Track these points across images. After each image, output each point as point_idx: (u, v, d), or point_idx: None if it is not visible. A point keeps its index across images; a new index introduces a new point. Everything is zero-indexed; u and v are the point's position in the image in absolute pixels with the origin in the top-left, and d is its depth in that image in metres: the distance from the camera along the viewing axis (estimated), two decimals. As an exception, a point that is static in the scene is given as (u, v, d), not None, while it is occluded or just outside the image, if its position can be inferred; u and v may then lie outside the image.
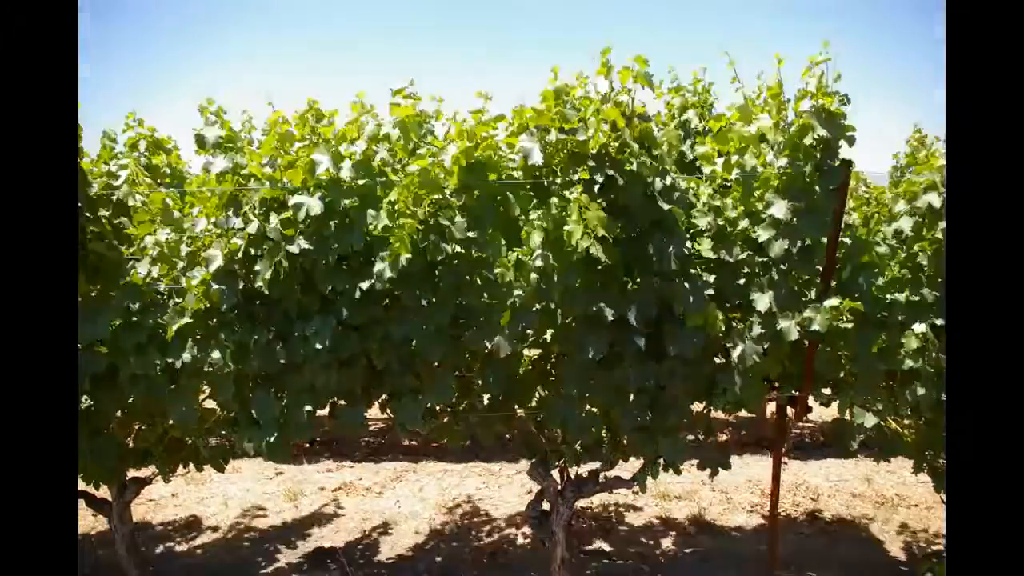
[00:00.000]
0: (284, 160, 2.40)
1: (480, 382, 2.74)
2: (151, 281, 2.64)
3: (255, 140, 2.81)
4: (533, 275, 2.42)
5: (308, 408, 2.56)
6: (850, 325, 2.68)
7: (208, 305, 2.50)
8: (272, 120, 2.46)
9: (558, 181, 2.41)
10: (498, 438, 3.15)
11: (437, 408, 2.67)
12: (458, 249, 2.42)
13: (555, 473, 3.05)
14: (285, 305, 2.48)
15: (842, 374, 2.85)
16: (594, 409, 2.70)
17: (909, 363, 2.62)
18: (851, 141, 2.46)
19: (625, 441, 2.80)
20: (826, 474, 4.99)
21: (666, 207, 2.37)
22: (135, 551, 3.29)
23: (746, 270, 2.62)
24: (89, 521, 4.27)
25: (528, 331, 2.54)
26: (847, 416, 2.84)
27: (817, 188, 2.47)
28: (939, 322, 2.60)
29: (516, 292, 2.45)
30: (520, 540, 4.05)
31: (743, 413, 2.92)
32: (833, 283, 2.75)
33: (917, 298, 2.67)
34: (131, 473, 3.20)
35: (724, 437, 5.77)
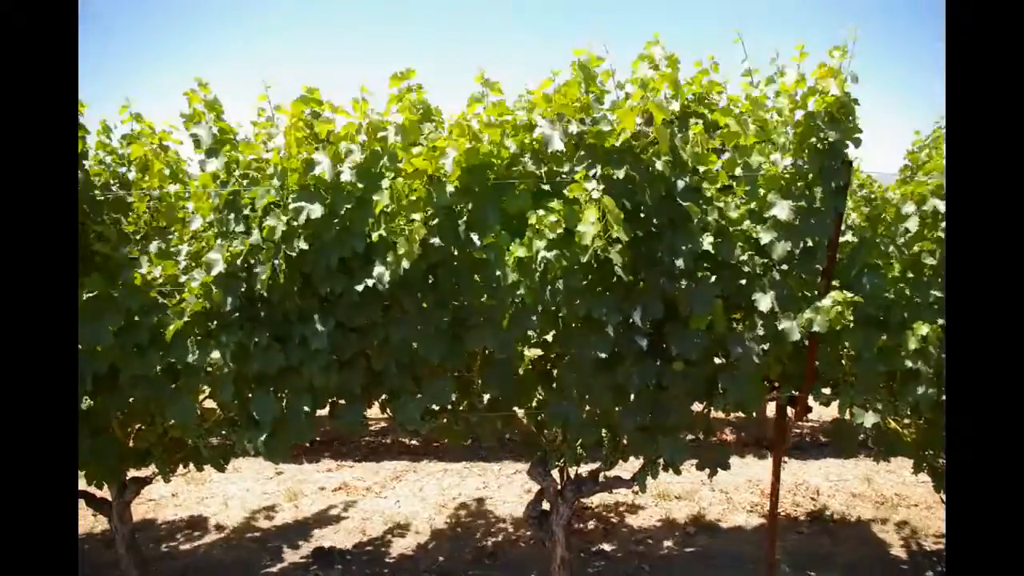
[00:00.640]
0: (289, 164, 2.38)
1: (480, 382, 2.74)
2: (152, 280, 2.64)
3: (250, 134, 2.76)
4: (536, 276, 2.41)
5: (307, 408, 2.56)
6: (852, 324, 2.67)
7: (208, 306, 2.50)
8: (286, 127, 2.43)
9: (574, 173, 2.37)
10: (498, 438, 3.15)
11: (437, 408, 2.67)
12: (456, 252, 2.42)
13: (555, 473, 3.05)
14: (284, 307, 2.47)
15: (842, 374, 2.84)
16: (595, 409, 2.69)
17: (909, 364, 2.62)
18: (857, 143, 2.45)
19: (625, 441, 2.80)
20: (826, 474, 4.99)
21: (684, 206, 2.37)
22: (135, 551, 3.29)
23: (747, 269, 2.62)
24: (89, 521, 4.27)
25: (529, 332, 2.53)
26: (847, 416, 2.84)
27: (820, 189, 2.47)
28: (940, 322, 2.60)
29: (519, 292, 2.44)
30: (520, 540, 4.05)
31: (743, 413, 2.92)
32: (836, 283, 2.75)
33: (918, 298, 2.67)
34: (131, 473, 3.20)
35: (730, 437, 5.77)
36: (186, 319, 2.50)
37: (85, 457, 2.82)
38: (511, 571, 3.70)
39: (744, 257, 2.62)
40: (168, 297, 2.63)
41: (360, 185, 2.36)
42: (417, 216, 2.33)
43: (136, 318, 2.56)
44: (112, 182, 3.15)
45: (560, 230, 2.31)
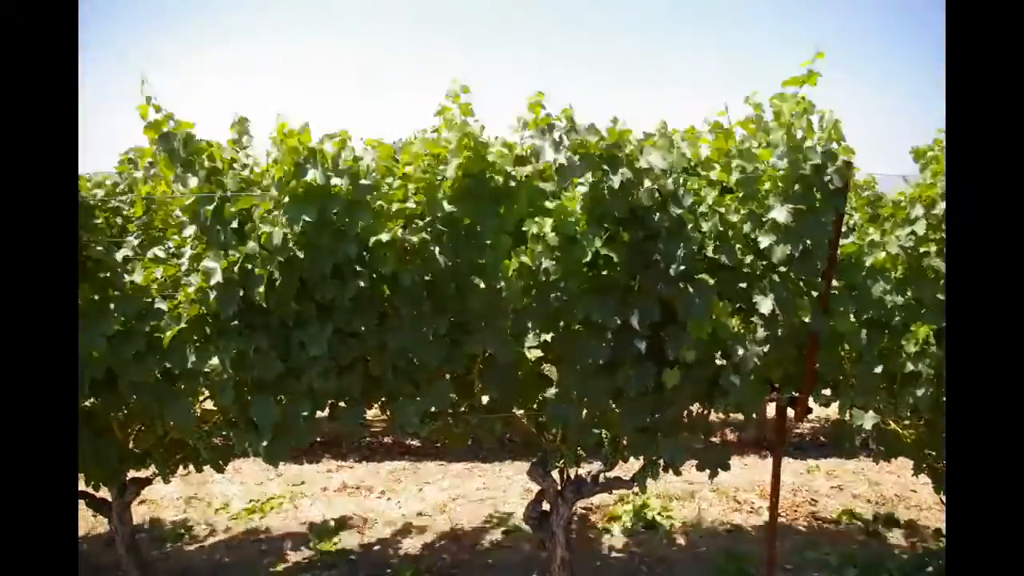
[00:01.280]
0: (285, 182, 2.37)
1: (480, 385, 2.74)
2: (152, 282, 2.64)
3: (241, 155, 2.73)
4: (540, 280, 2.41)
5: (306, 412, 2.56)
6: (853, 327, 2.68)
7: (205, 311, 2.50)
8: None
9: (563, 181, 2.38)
10: (498, 439, 3.14)
11: (436, 410, 2.67)
12: (457, 260, 2.42)
13: (555, 474, 3.05)
14: (282, 313, 2.47)
15: (842, 376, 2.85)
16: (594, 411, 2.69)
17: (910, 366, 2.62)
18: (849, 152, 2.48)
19: (625, 442, 2.80)
20: (827, 474, 4.99)
21: (678, 211, 2.37)
22: (135, 552, 3.29)
23: (747, 270, 2.62)
24: (89, 522, 4.27)
25: (528, 336, 2.54)
26: (847, 417, 2.84)
27: (817, 192, 2.47)
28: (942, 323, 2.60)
29: (518, 297, 2.44)
30: (520, 540, 4.05)
31: (742, 415, 2.92)
32: (840, 283, 2.75)
33: (920, 300, 2.67)
34: (131, 474, 3.20)
35: (732, 437, 5.77)
36: (183, 325, 2.50)
37: (85, 458, 2.82)
38: (511, 571, 3.70)
39: (745, 259, 2.62)
40: (168, 300, 2.63)
41: (350, 187, 2.36)
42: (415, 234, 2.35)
43: (133, 322, 2.56)
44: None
45: (556, 235, 2.33)
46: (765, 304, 2.48)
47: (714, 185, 2.67)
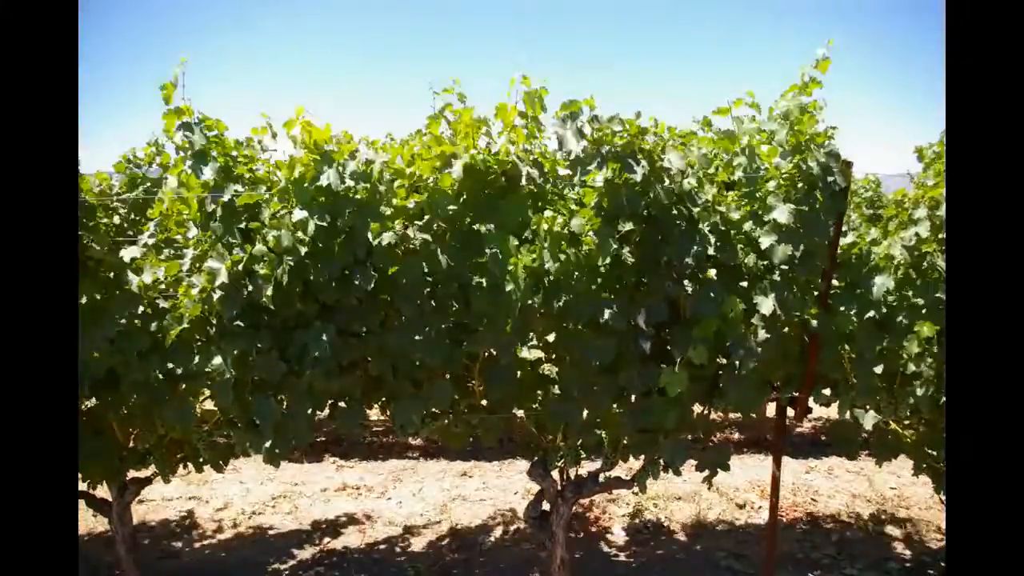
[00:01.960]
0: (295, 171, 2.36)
1: (481, 386, 2.73)
2: (155, 282, 2.63)
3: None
4: (546, 281, 2.40)
5: (307, 412, 2.56)
6: (854, 327, 2.67)
7: (207, 311, 2.49)
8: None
9: (578, 176, 2.36)
10: (499, 439, 3.14)
11: (436, 410, 2.67)
12: (461, 259, 2.42)
13: (555, 473, 3.05)
14: (285, 313, 2.47)
15: (843, 376, 2.84)
16: (596, 411, 2.69)
17: (912, 367, 2.62)
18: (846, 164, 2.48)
19: (626, 441, 2.80)
20: (827, 474, 4.99)
21: (695, 209, 2.37)
22: (136, 551, 3.29)
23: (748, 271, 2.62)
24: (90, 522, 4.27)
25: (531, 335, 2.53)
26: (847, 417, 2.84)
27: (818, 193, 2.47)
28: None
29: (530, 301, 2.43)
30: (520, 540, 4.05)
31: (742, 415, 2.92)
32: (843, 283, 2.75)
33: (921, 300, 2.67)
34: (131, 474, 3.20)
35: (736, 436, 5.77)
36: (185, 325, 2.50)
37: (86, 458, 2.81)
38: (511, 571, 3.70)
39: (746, 259, 2.62)
40: (168, 300, 2.63)
41: (362, 187, 2.35)
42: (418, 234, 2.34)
43: (136, 321, 2.55)
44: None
45: (566, 231, 2.32)
46: (766, 304, 2.48)
47: (712, 180, 2.67)
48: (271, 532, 4.25)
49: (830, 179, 2.44)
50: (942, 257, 2.69)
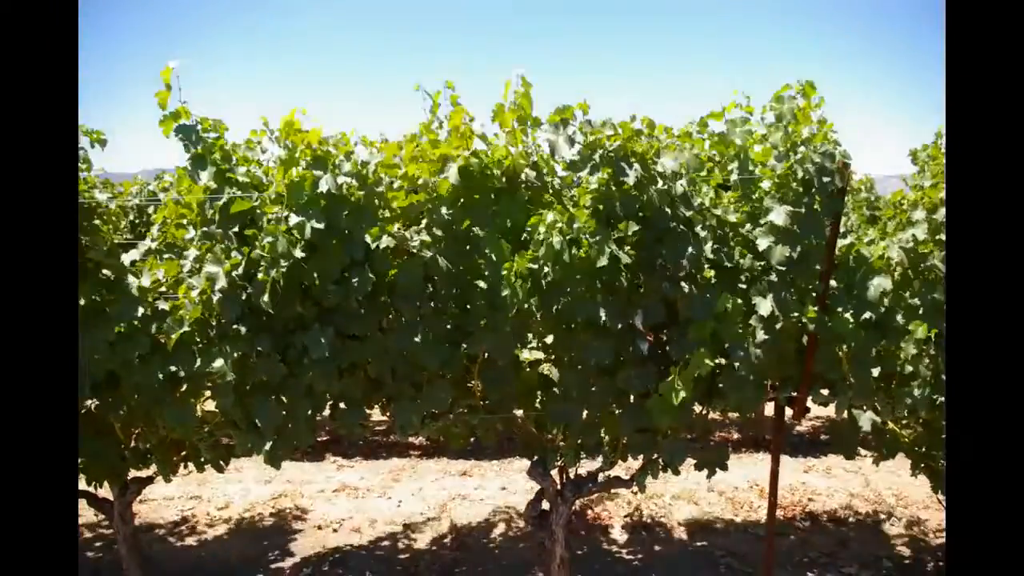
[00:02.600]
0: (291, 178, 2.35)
1: (481, 387, 2.73)
2: (155, 284, 2.63)
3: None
4: (543, 284, 2.40)
5: (308, 413, 2.56)
6: (851, 328, 2.67)
7: (207, 314, 2.49)
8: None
9: (575, 178, 2.37)
10: (498, 439, 3.15)
11: (436, 411, 2.67)
12: (458, 263, 2.42)
13: (554, 473, 3.06)
14: (284, 316, 2.47)
15: (840, 376, 2.85)
16: (595, 411, 2.69)
17: (909, 368, 2.62)
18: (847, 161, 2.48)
19: (625, 441, 2.81)
20: (825, 473, 5.00)
21: (688, 212, 2.37)
22: (137, 551, 3.29)
23: (746, 272, 2.62)
24: (91, 522, 4.27)
25: (530, 336, 2.54)
26: (844, 416, 2.84)
27: (816, 194, 2.47)
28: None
29: (519, 298, 2.43)
30: (521, 538, 4.06)
31: (740, 415, 2.92)
32: (840, 284, 2.75)
33: (918, 301, 2.67)
34: (133, 473, 3.21)
35: (734, 435, 5.78)
36: (186, 328, 2.50)
37: (87, 458, 2.82)
38: (511, 570, 3.70)
39: (744, 261, 2.62)
40: (168, 301, 2.63)
41: (360, 192, 2.35)
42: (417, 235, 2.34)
43: (137, 325, 2.56)
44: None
45: (562, 236, 2.31)
46: (764, 306, 2.48)
47: (708, 182, 2.68)
48: (271, 531, 4.26)
49: (826, 180, 2.44)
50: (940, 258, 2.69)
